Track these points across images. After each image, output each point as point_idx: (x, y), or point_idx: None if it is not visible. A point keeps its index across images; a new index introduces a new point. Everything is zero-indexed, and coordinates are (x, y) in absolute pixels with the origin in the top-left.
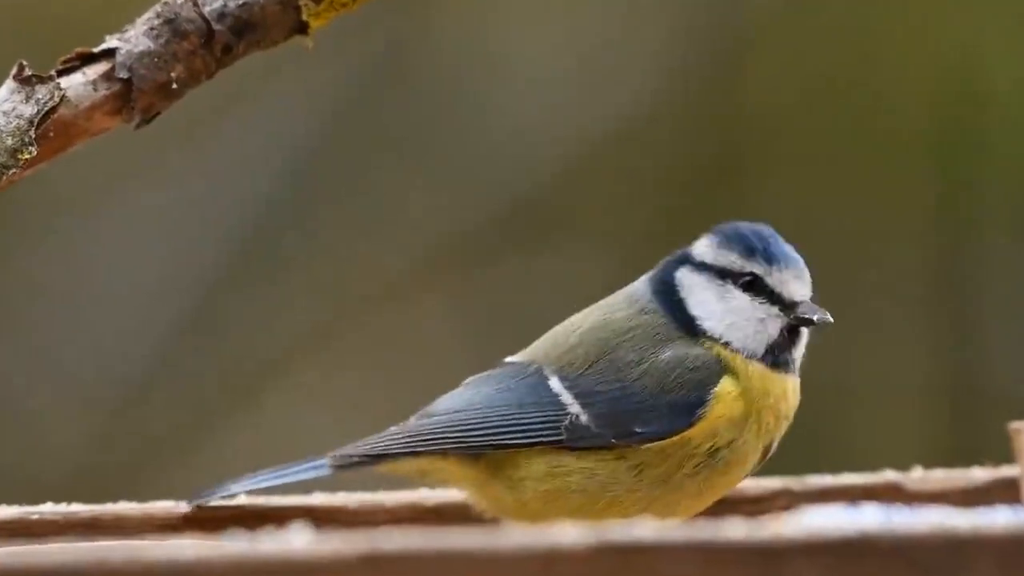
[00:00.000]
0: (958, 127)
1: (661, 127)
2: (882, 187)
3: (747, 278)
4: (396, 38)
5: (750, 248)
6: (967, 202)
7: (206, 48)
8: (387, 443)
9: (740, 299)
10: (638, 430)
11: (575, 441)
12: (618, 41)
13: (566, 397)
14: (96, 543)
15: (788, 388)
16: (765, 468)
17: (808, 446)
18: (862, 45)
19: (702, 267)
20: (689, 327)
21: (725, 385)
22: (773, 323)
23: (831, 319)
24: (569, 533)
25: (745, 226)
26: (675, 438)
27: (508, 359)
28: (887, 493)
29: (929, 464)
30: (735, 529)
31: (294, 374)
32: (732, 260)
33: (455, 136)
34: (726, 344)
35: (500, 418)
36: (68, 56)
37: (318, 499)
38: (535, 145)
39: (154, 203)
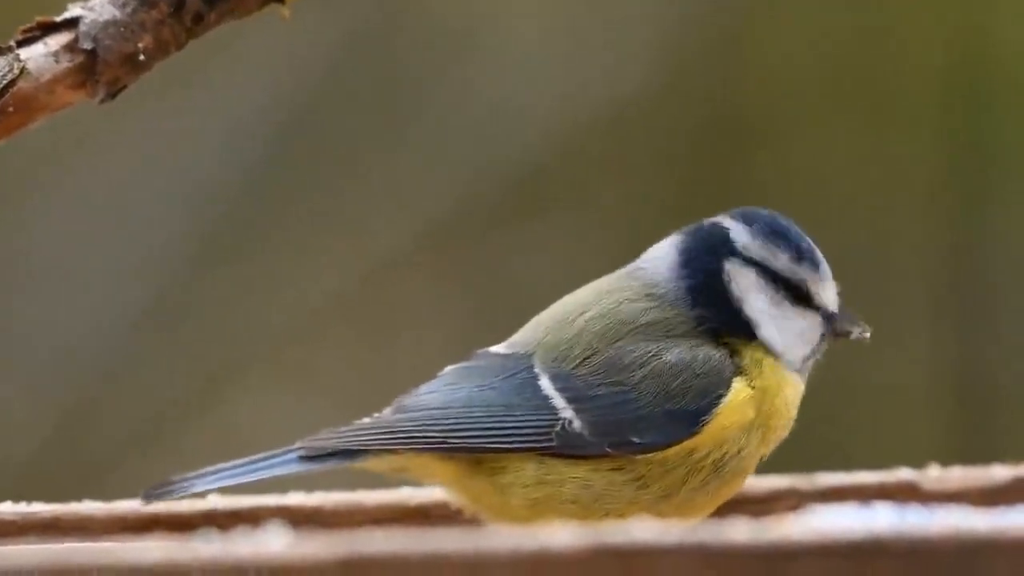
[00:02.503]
0: (967, 94)
1: (659, 101)
2: (890, 159)
3: (795, 283)
4: (384, 10)
5: (799, 250)
6: (977, 170)
7: (175, 17)
8: (361, 437)
9: (790, 307)
10: (635, 440)
11: (567, 449)
12: (615, 12)
13: (558, 400)
14: (57, 545)
15: (800, 390)
16: (772, 466)
17: (817, 442)
18: (869, 11)
19: (752, 263)
20: (731, 325)
21: (736, 390)
22: (814, 335)
23: (869, 334)
24: (562, 535)
25: (780, 219)
26: (678, 448)
27: (494, 349)
28: (902, 492)
29: (944, 461)
30: (739, 530)
31: (273, 361)
32: (784, 261)
33: (444, 112)
34: (773, 352)
35: (484, 420)
36: (28, 26)
37: (295, 498)
38: (527, 121)
39: (113, 179)
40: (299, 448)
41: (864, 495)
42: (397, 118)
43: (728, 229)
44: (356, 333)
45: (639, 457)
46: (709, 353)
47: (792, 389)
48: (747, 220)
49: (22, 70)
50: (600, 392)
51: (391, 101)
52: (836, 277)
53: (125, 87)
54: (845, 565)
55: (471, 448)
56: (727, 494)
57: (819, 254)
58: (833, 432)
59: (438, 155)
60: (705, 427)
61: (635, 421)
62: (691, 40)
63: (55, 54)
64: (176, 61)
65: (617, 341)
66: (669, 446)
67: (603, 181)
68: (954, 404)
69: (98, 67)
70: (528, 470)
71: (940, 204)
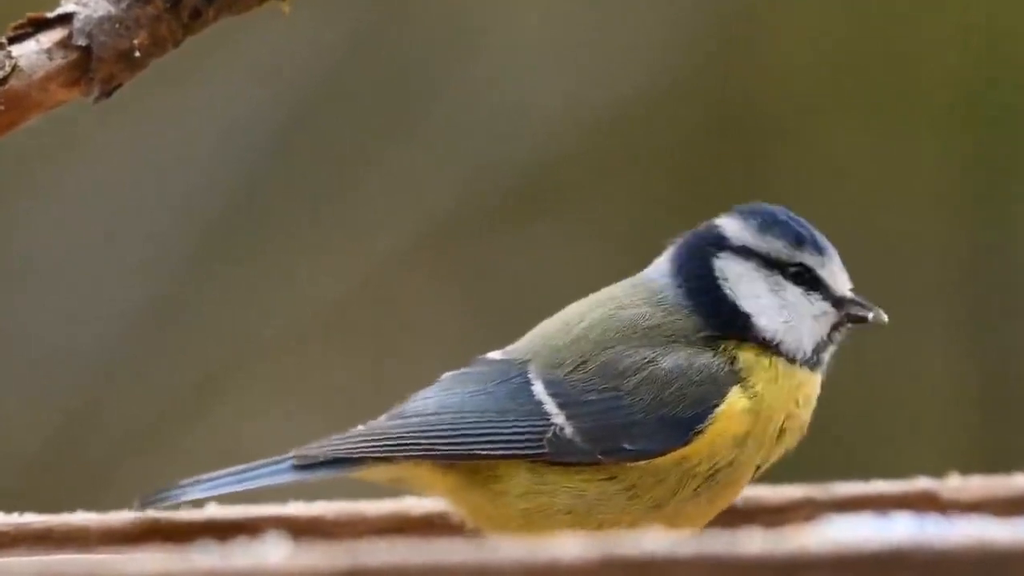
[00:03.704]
0: (985, 91)
1: (667, 99)
2: (906, 160)
3: (796, 268)
4: (385, 8)
5: (798, 236)
6: (997, 171)
7: (172, 13)
8: (354, 445)
9: (793, 293)
10: (627, 447)
11: (559, 456)
12: (621, 9)
13: (550, 405)
14: (50, 557)
15: (816, 388)
16: (786, 475)
17: (833, 450)
18: (883, 8)
19: (744, 253)
20: (730, 324)
21: (732, 399)
22: (825, 321)
23: (886, 318)
24: (571, 546)
25: (779, 210)
26: (671, 456)
27: (491, 355)
28: (920, 502)
29: (964, 470)
30: (752, 542)
31: (270, 366)
32: (779, 248)
33: (447, 111)
34: (776, 345)
35: (475, 425)
36: (20, 22)
37: (295, 508)
38: (531, 120)
39: (112, 179)
40: (293, 457)
41: (882, 505)
42: (399, 118)
43: (720, 226)
44: (357, 336)
45: (631, 465)
46: (706, 361)
47: (801, 386)
48: (742, 214)
49: (14, 68)
50: (592, 398)
51: (392, 101)
52: (855, 281)
53: (120, 85)
54: None
55: (462, 455)
56: (720, 505)
57: (824, 240)
58: (849, 440)
59: (441, 155)
60: (698, 436)
61: (627, 428)
62: (700, 39)
63: (48, 51)
64: (174, 58)
65: (613, 347)
66: (661, 454)
67: (609, 181)
68: (975, 410)
69: (92, 64)
70: (521, 479)
71: (959, 205)
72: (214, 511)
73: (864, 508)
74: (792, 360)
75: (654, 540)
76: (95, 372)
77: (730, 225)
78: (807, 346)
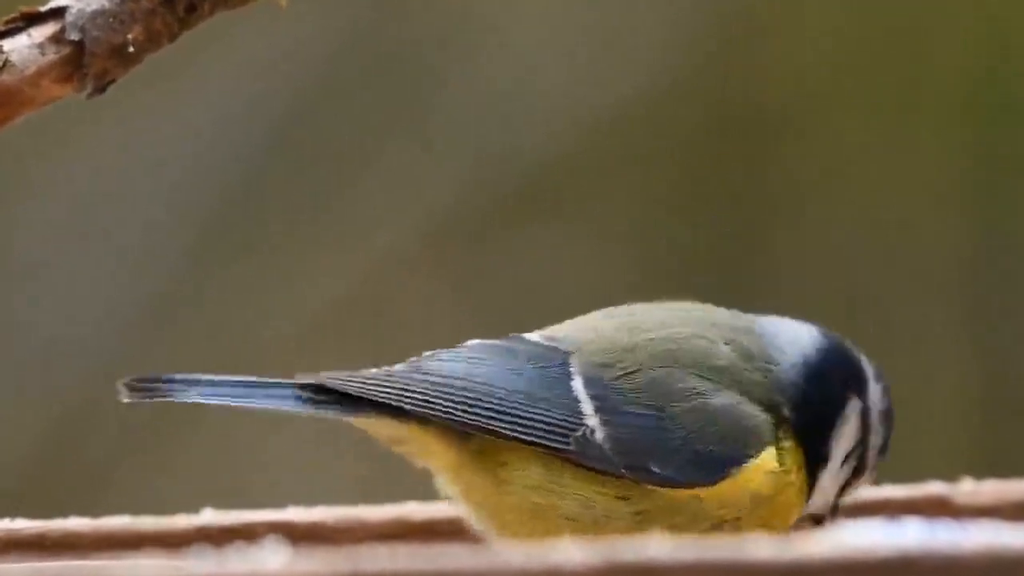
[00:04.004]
0: (995, 91)
1: (668, 99)
2: (915, 159)
3: (860, 455)
4: (388, 4)
5: (886, 442)
6: (1006, 170)
7: (167, 7)
8: (366, 385)
9: (844, 475)
10: (654, 470)
11: (582, 457)
12: (624, 7)
13: (587, 405)
14: (43, 563)
15: (799, 509)
16: None
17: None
18: (892, 7)
19: (864, 414)
20: (803, 436)
21: (766, 457)
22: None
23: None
24: (573, 551)
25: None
26: (688, 492)
27: (530, 335)
28: (932, 507)
29: (977, 474)
30: (759, 547)
31: (270, 365)
32: (877, 443)
33: (449, 107)
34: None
35: (502, 402)
36: (11, 16)
37: (293, 513)
38: (535, 117)
39: (105, 178)
40: (298, 384)
41: (892, 510)
42: (399, 115)
43: (868, 379)
44: (356, 335)
45: (650, 488)
46: (754, 412)
47: (800, 496)
48: (876, 372)
49: (5, 63)
50: (632, 411)
51: (392, 98)
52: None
53: (114, 80)
54: None
55: (481, 428)
56: None
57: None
58: None
59: (441, 153)
60: (722, 481)
61: (659, 451)
62: (702, 37)
63: (40, 46)
64: (170, 54)
65: (667, 366)
66: (686, 486)
67: (610, 180)
68: (988, 413)
69: (85, 59)
70: (534, 471)
71: (967, 206)
72: (210, 516)
73: (874, 513)
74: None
75: (657, 546)
76: (90, 372)
77: (874, 389)
78: (819, 502)
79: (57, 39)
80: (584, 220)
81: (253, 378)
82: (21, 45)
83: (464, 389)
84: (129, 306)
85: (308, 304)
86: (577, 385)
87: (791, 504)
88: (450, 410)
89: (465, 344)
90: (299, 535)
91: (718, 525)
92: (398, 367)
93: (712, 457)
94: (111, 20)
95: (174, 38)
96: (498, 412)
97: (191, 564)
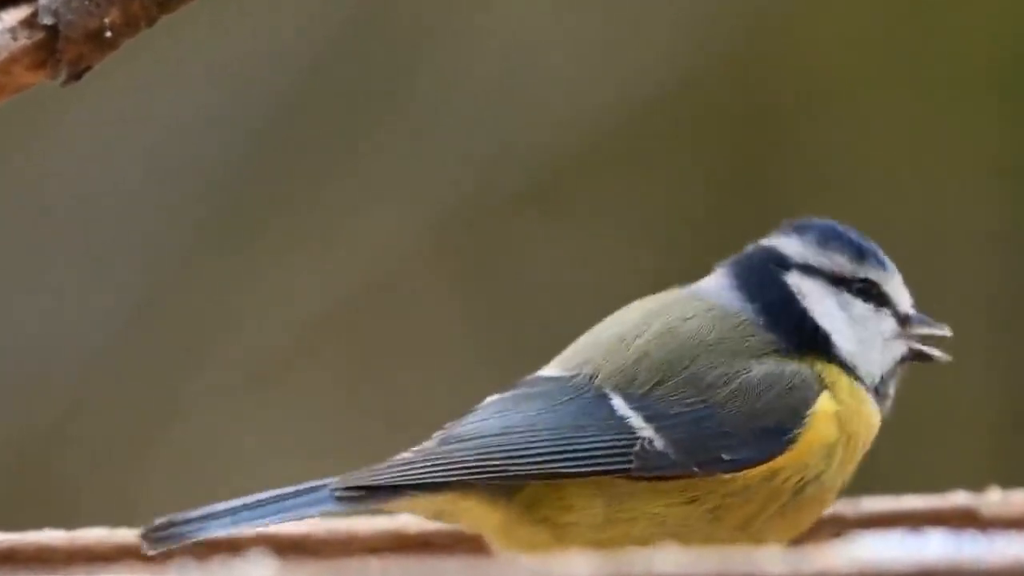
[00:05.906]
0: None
1: (687, 87)
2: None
3: (861, 284)
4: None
5: (860, 249)
6: None
7: None
8: (406, 472)
9: (861, 309)
10: (725, 457)
11: (647, 471)
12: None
13: (635, 419)
14: None
15: (878, 423)
16: None
17: (862, 463)
18: None
19: (808, 271)
20: (810, 342)
21: (823, 404)
22: (896, 347)
23: (948, 358)
24: (579, 565)
25: (831, 223)
26: (760, 470)
27: (545, 373)
28: (957, 518)
29: (1005, 484)
30: (774, 561)
31: (265, 376)
32: (842, 263)
33: (453, 101)
34: (853, 368)
35: (552, 443)
36: None
37: (280, 525)
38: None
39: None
40: (333, 485)
41: (914, 522)
42: (401, 109)
43: (775, 245)
44: (355, 335)
45: (725, 477)
46: (796, 368)
47: (870, 412)
48: (797, 230)
49: None
50: (681, 410)
51: (395, 93)
52: None
53: (90, 67)
54: None
55: (536, 475)
56: (802, 525)
57: (882, 253)
58: (880, 451)
59: (445, 148)
60: (791, 445)
61: (724, 436)
62: (716, 29)
63: (12, 30)
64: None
65: (687, 363)
66: (763, 461)
67: (622, 175)
68: (1017, 420)
69: (60, 45)
70: (597, 509)
71: (996, 204)
72: None
73: (896, 525)
74: (864, 385)
75: (667, 560)
76: (66, 380)
77: (786, 243)
78: (876, 372)
79: (30, 23)
80: (590, 217)
81: (277, 492)
82: None
83: (507, 443)
84: (113, 315)
85: (305, 305)
86: (618, 403)
87: (862, 418)
88: (498, 467)
89: (482, 404)
90: (285, 548)
91: (800, 490)
92: (427, 444)
93: (773, 426)
94: (87, 3)
95: (153, 22)
96: (550, 452)
97: None
